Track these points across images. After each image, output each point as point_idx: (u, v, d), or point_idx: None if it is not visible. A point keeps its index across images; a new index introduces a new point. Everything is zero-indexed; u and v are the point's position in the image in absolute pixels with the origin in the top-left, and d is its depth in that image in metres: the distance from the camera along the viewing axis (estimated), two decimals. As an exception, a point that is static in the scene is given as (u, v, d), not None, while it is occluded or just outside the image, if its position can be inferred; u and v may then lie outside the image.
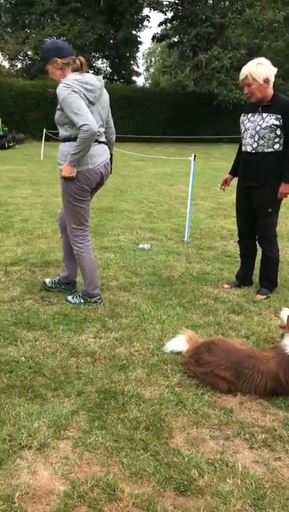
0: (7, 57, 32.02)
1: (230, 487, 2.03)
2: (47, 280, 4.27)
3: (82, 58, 3.65)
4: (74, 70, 3.61)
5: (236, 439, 2.37)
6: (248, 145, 4.14)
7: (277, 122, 3.97)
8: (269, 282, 4.40)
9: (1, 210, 7.49)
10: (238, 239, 4.58)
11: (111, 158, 3.95)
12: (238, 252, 4.70)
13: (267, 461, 2.22)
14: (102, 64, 35.88)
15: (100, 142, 3.74)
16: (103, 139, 3.81)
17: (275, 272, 4.41)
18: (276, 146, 4.05)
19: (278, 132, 3.99)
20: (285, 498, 1.99)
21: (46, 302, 3.97)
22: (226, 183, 4.57)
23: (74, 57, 3.61)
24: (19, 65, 33.21)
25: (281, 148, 4.06)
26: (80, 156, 3.52)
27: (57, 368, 2.91)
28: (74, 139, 3.50)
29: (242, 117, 4.27)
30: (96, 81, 3.58)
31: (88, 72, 3.73)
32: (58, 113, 3.61)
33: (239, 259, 4.69)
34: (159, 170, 13.95)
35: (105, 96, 3.74)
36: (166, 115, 27.23)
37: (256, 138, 4.07)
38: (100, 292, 4.02)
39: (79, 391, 2.68)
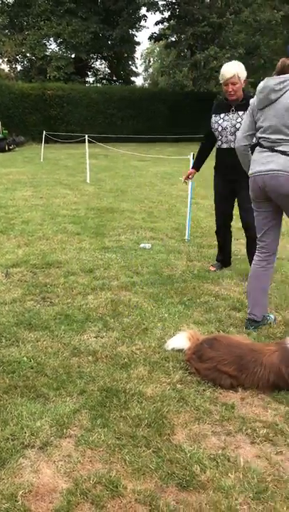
0: (6, 60, 32.03)
1: (232, 482, 2.05)
2: None
3: (282, 60, 3.23)
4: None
5: (238, 435, 2.38)
6: (230, 142, 4.52)
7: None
8: None
9: (2, 212, 7.51)
10: (216, 230, 5.07)
11: None
12: (217, 242, 5.16)
13: (268, 455, 2.23)
14: (100, 65, 35.92)
15: (275, 150, 3.28)
16: (282, 147, 3.25)
17: None
18: (253, 140, 4.37)
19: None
20: (287, 491, 2.00)
21: (48, 303, 3.98)
22: (188, 177, 5.15)
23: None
24: (19, 67, 33.25)
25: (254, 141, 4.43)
26: (243, 167, 3.70)
27: (59, 368, 2.92)
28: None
29: (214, 117, 4.62)
30: (267, 83, 3.22)
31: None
32: None
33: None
34: (160, 169, 13.94)
35: (285, 99, 3.19)
36: (166, 115, 27.22)
37: None
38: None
39: (81, 390, 2.69)
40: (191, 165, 6.31)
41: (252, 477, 2.07)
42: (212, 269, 4.94)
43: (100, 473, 2.08)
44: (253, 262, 3.69)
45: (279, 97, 3.18)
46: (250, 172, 3.48)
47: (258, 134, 3.42)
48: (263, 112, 3.31)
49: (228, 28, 26.01)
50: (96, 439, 2.29)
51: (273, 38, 31.01)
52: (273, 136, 3.29)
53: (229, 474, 2.09)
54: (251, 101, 3.43)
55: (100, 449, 2.24)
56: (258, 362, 2.76)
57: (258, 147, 3.45)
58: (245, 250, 5.12)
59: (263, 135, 3.36)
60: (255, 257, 3.68)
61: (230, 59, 24.28)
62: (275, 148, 3.28)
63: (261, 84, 3.27)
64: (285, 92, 3.16)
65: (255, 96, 3.36)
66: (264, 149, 3.36)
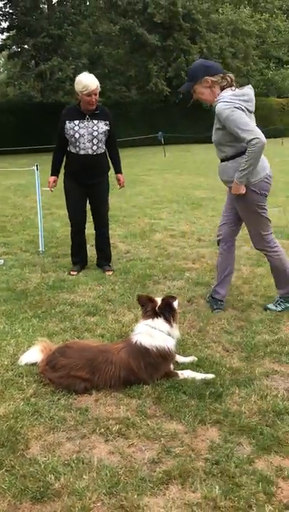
0: None
1: (86, 482, 2.09)
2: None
3: (231, 75, 3.66)
4: (223, 88, 3.60)
5: (92, 436, 2.44)
6: (88, 148, 4.73)
7: (107, 127, 4.80)
8: (109, 260, 5.26)
9: None
10: (71, 235, 5.26)
11: None
12: (72, 244, 5.27)
13: (121, 449, 2.32)
14: None
15: None
16: None
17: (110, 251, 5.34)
18: (104, 147, 4.84)
19: (107, 135, 4.82)
20: (137, 479, 2.10)
21: None
22: (52, 185, 5.11)
23: (222, 74, 3.61)
24: None
25: (105, 148, 4.90)
26: (249, 171, 3.50)
27: None
28: (240, 155, 3.54)
29: (68, 124, 4.71)
30: (249, 90, 3.60)
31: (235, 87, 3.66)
32: (218, 133, 3.59)
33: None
34: (13, 182, 13.57)
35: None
36: (15, 126, 26.59)
37: (95, 142, 4.72)
38: None
39: None
40: (37, 176, 6.30)
41: (105, 474, 2.14)
42: (73, 273, 5.03)
43: None
44: (280, 248, 3.93)
45: None
46: (269, 170, 3.70)
47: None
48: (252, 115, 3.60)
49: (68, 38, 26.30)
50: None
51: (115, 48, 32.21)
52: None
53: (83, 476, 2.14)
54: (244, 105, 3.52)
55: None
56: (108, 361, 2.86)
57: None
58: (96, 257, 5.30)
59: None
60: (278, 245, 3.92)
61: (75, 69, 24.69)
62: None
63: (251, 92, 3.60)
64: None
65: (245, 102, 3.52)
66: None
